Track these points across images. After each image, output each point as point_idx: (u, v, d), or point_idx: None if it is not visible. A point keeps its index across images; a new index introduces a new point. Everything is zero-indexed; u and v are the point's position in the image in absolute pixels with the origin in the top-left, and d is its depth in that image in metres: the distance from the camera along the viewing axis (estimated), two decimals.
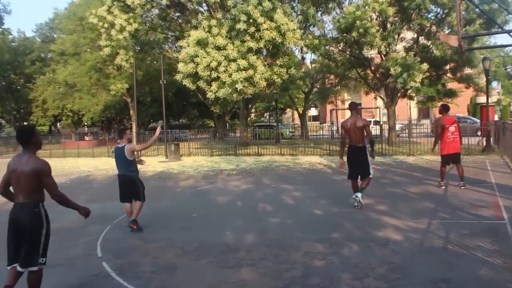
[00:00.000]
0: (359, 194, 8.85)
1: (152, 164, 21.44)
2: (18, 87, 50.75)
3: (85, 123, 55.15)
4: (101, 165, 22.12)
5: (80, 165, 23.07)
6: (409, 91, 26.61)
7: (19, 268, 4.53)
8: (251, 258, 6.14)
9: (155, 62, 37.30)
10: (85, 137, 47.93)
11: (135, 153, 8.23)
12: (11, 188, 4.73)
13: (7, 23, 49.97)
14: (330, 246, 6.47)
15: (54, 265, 5.90)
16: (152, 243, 7.13)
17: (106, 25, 26.00)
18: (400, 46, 25.02)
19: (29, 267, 4.53)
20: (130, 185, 8.07)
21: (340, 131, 8.83)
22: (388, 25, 24.20)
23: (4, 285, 4.53)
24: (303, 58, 39.24)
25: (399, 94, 26.25)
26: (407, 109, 47.27)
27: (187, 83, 22.74)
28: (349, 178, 9.06)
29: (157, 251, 6.70)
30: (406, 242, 6.52)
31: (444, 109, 10.77)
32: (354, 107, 9.11)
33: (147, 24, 29.01)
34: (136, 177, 8.14)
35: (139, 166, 8.31)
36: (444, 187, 10.81)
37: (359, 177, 8.96)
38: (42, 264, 4.63)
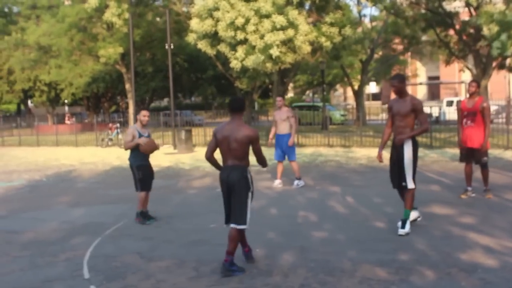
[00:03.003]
0: (402, 227, 8.29)
1: (156, 156, 21.64)
2: None
3: (65, 101, 56.00)
4: (88, 157, 22.48)
5: (60, 157, 23.54)
6: (508, 60, 26.16)
7: (232, 225, 6.64)
8: (288, 285, 6.16)
9: (158, 19, 37.57)
10: (66, 119, 48.68)
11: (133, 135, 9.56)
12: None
13: None
14: (396, 272, 6.47)
15: None
16: (155, 262, 7.24)
17: None
18: None
19: (239, 226, 6.61)
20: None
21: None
22: None
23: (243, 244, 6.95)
24: (360, 15, 39.03)
25: (494, 64, 25.85)
26: (505, 84, 46.49)
27: (203, 46, 22.86)
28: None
29: (162, 272, 6.80)
30: (502, 269, 6.44)
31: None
32: (404, 81, 8.50)
33: None
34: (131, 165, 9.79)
35: None
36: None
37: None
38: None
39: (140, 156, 9.59)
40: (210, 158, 6.87)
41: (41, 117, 51.77)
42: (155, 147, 9.72)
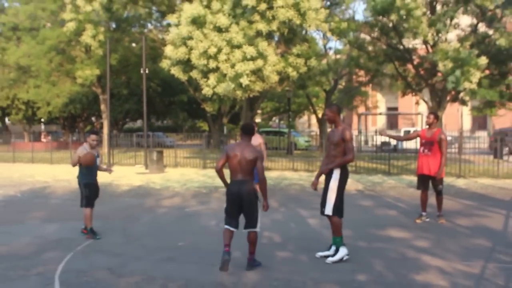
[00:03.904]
0: (323, 253, 8.22)
1: (128, 176, 21.51)
2: None
3: (42, 119, 55.31)
4: (62, 174, 22.20)
5: (35, 173, 23.20)
6: (461, 94, 26.65)
7: (251, 230, 7.51)
8: None
9: (134, 45, 37.50)
10: (42, 137, 48.05)
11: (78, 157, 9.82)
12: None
13: None
14: None
15: None
16: (125, 278, 7.16)
17: None
18: (452, 35, 25.09)
19: (252, 229, 7.50)
20: None
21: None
22: (438, 7, 24.31)
23: (226, 243, 7.33)
24: (326, 48, 39.51)
25: (448, 98, 26.30)
26: (458, 117, 47.34)
27: (176, 72, 22.81)
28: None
29: None
30: None
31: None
32: (337, 111, 8.18)
33: None
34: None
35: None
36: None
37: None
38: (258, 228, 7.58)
39: (88, 175, 9.86)
40: (220, 170, 7.47)
41: (18, 134, 51.05)
42: (91, 158, 9.77)
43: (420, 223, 10.86)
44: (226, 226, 7.53)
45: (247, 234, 7.59)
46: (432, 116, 11.02)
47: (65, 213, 12.50)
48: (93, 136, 9.98)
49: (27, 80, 40.43)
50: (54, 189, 17.63)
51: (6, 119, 60.27)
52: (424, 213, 11.07)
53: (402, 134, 40.10)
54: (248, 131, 7.72)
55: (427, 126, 11.05)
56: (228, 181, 7.59)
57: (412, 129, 40.28)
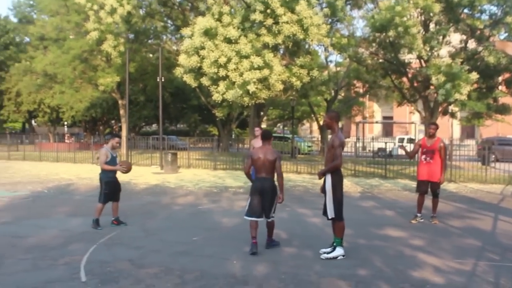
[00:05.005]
0: (326, 250, 8.07)
1: (145, 175, 21.54)
2: None
3: (65, 122, 55.48)
4: (84, 173, 22.26)
5: (59, 171, 23.28)
6: (451, 106, 26.60)
7: (263, 219, 8.23)
8: None
9: (151, 55, 37.60)
10: (65, 138, 48.25)
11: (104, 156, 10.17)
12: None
13: None
14: (356, 285, 6.47)
15: None
16: (145, 269, 7.16)
17: (95, 7, 26.20)
18: (444, 51, 25.09)
19: (272, 218, 8.36)
20: None
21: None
22: (432, 26, 24.30)
23: (254, 235, 8.13)
24: (327, 60, 39.50)
25: (440, 109, 26.26)
26: (449, 126, 47.25)
27: (188, 79, 22.84)
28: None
29: (151, 278, 6.73)
30: (448, 286, 6.50)
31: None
32: (334, 118, 8.05)
33: (144, 9, 29.25)
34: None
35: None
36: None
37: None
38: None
39: (110, 173, 10.13)
40: (248, 173, 8.49)
41: (43, 136, 51.15)
42: (130, 166, 10.60)
43: (415, 223, 10.85)
44: (252, 218, 8.19)
45: (266, 222, 8.35)
46: (434, 127, 11.10)
47: (88, 208, 12.49)
48: (117, 139, 10.30)
49: (53, 86, 40.61)
50: (77, 186, 17.68)
51: (33, 121, 60.59)
52: (419, 214, 11.06)
53: (397, 141, 40.02)
54: (267, 137, 8.56)
55: (427, 136, 11.10)
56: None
57: (406, 137, 40.22)
